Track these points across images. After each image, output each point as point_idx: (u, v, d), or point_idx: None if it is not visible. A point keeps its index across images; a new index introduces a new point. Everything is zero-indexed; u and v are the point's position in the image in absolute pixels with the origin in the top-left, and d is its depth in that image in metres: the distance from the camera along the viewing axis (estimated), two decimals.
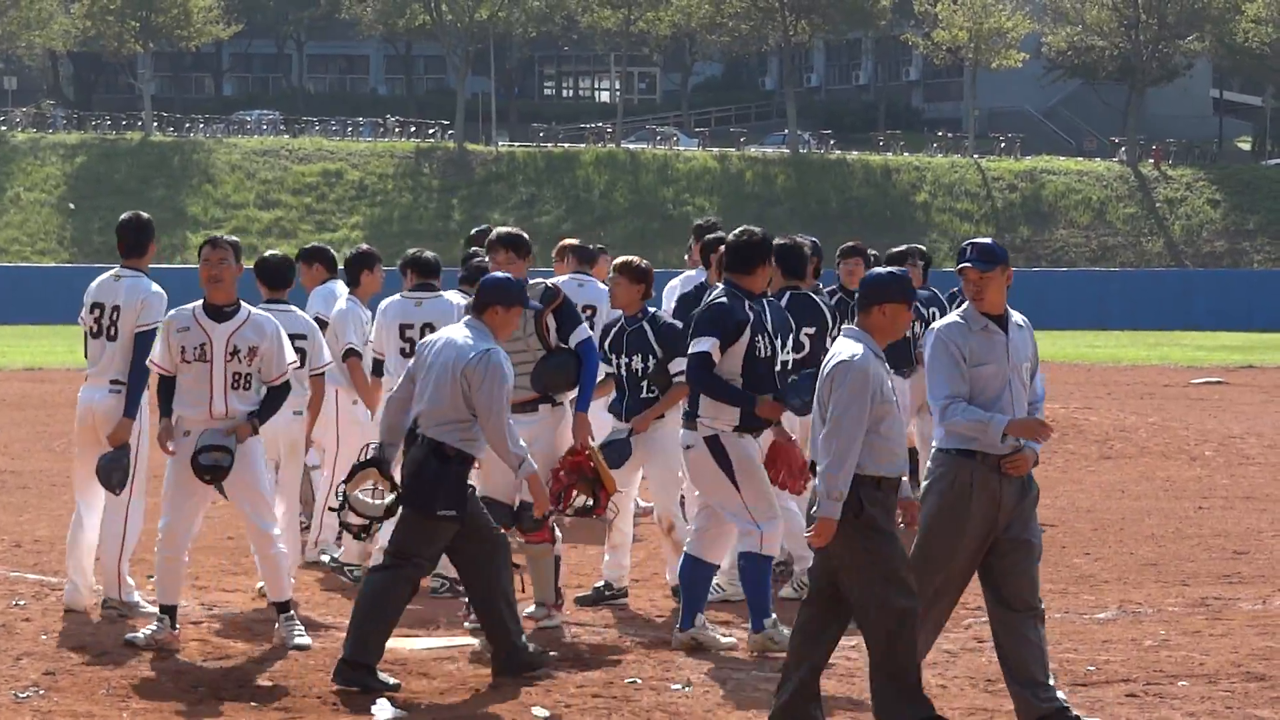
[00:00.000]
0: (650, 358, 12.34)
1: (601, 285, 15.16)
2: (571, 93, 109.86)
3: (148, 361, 11.90)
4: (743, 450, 11.14)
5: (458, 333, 10.81)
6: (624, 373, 12.53)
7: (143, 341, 12.18)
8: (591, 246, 16.50)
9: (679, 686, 10.52)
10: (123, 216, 12.92)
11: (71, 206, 75.15)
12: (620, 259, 12.95)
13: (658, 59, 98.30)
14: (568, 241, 16.02)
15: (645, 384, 12.44)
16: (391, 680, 10.38)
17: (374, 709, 10.16)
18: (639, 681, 10.67)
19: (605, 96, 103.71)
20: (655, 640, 11.66)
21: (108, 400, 12.19)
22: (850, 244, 15.74)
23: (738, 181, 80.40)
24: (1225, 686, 10.32)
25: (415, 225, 75.43)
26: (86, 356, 12.58)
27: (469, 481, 10.93)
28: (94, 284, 12.54)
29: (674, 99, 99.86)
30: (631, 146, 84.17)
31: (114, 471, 12.08)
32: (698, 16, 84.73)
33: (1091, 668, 10.63)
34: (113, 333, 12.28)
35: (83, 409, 12.31)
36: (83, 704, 10.16)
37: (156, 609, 11.78)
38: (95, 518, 12.52)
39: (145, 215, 12.92)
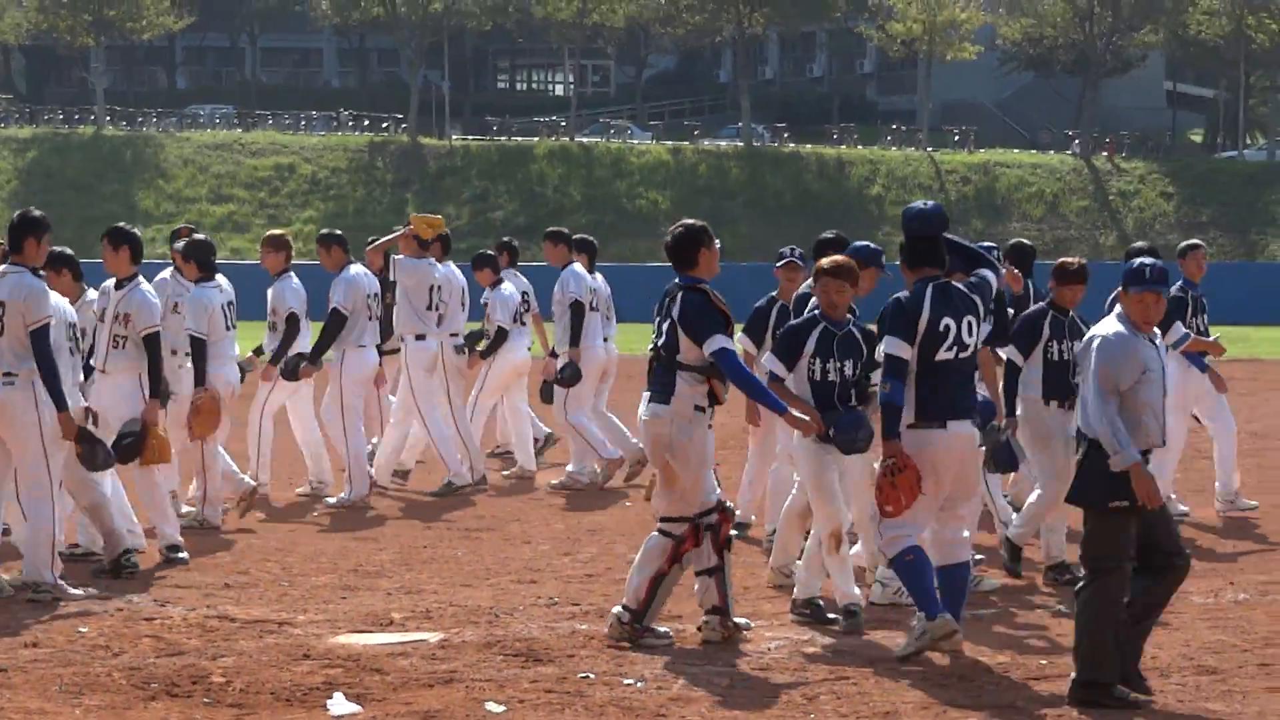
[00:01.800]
0: (858, 364, 12.06)
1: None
2: (525, 86, 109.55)
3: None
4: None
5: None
6: (836, 378, 12.14)
7: (38, 337, 12.60)
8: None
9: (631, 681, 10.46)
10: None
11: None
12: (830, 261, 12.40)
13: (612, 52, 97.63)
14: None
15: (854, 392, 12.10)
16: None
17: (329, 704, 10.12)
18: (592, 676, 10.66)
19: (559, 90, 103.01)
20: (598, 637, 11.63)
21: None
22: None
23: (691, 175, 79.95)
24: (1177, 680, 10.33)
25: (369, 219, 73.02)
26: None
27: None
28: None
29: (628, 92, 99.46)
30: (585, 140, 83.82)
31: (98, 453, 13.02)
32: (652, 9, 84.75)
33: (1044, 661, 10.66)
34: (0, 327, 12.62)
35: None
36: (35, 700, 10.12)
37: (81, 591, 12.47)
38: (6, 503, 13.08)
39: (32, 214, 13.11)
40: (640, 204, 76.96)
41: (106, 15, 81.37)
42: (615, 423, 19.41)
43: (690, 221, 11.47)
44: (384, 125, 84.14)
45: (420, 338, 18.17)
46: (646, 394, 11.36)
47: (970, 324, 11.04)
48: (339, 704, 10.11)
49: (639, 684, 10.44)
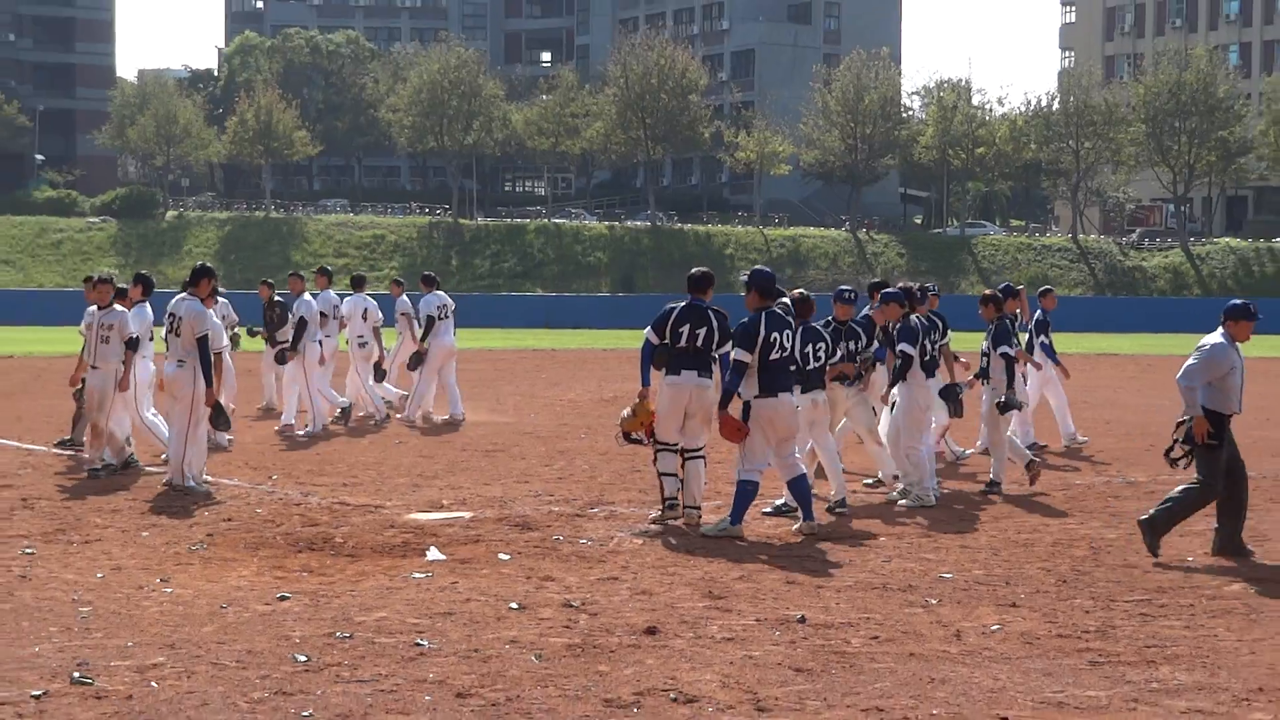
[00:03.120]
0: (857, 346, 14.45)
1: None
2: (520, 188, 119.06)
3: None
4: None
5: None
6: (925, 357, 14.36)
7: (202, 343, 14.14)
8: (922, 286, 15.96)
9: (585, 541, 11.74)
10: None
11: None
12: (883, 294, 14.87)
13: (572, 168, 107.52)
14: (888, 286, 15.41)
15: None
16: None
17: (428, 554, 11.22)
18: (561, 538, 11.84)
19: (541, 191, 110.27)
20: (572, 515, 12.98)
21: (174, 370, 14.41)
22: (877, 281, 16.42)
23: (620, 243, 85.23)
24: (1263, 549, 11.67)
25: (427, 268, 70.86)
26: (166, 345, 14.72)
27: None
28: (171, 302, 14.62)
29: (582, 192, 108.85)
30: (557, 221, 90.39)
31: (219, 416, 14.92)
32: (596, 143, 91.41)
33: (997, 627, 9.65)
34: (178, 330, 14.30)
35: (164, 375, 14.68)
36: (230, 552, 11.31)
37: (206, 489, 14.19)
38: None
39: (207, 265, 15.29)
40: (589, 260, 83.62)
41: (272, 145, 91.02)
42: (452, 388, 22.05)
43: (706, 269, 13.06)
44: (437, 212, 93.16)
45: (329, 338, 20.69)
46: (695, 370, 12.62)
47: (788, 335, 12.35)
48: (433, 552, 11.21)
49: (588, 542, 11.69)
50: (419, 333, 21.64)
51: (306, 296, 20.44)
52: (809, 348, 13.28)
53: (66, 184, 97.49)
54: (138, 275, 16.76)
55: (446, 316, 21.68)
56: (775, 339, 12.22)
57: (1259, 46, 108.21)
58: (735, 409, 12.14)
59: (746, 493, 12.32)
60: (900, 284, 15.51)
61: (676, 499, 12.79)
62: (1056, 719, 7.12)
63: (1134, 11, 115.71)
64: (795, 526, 12.49)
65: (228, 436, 17.78)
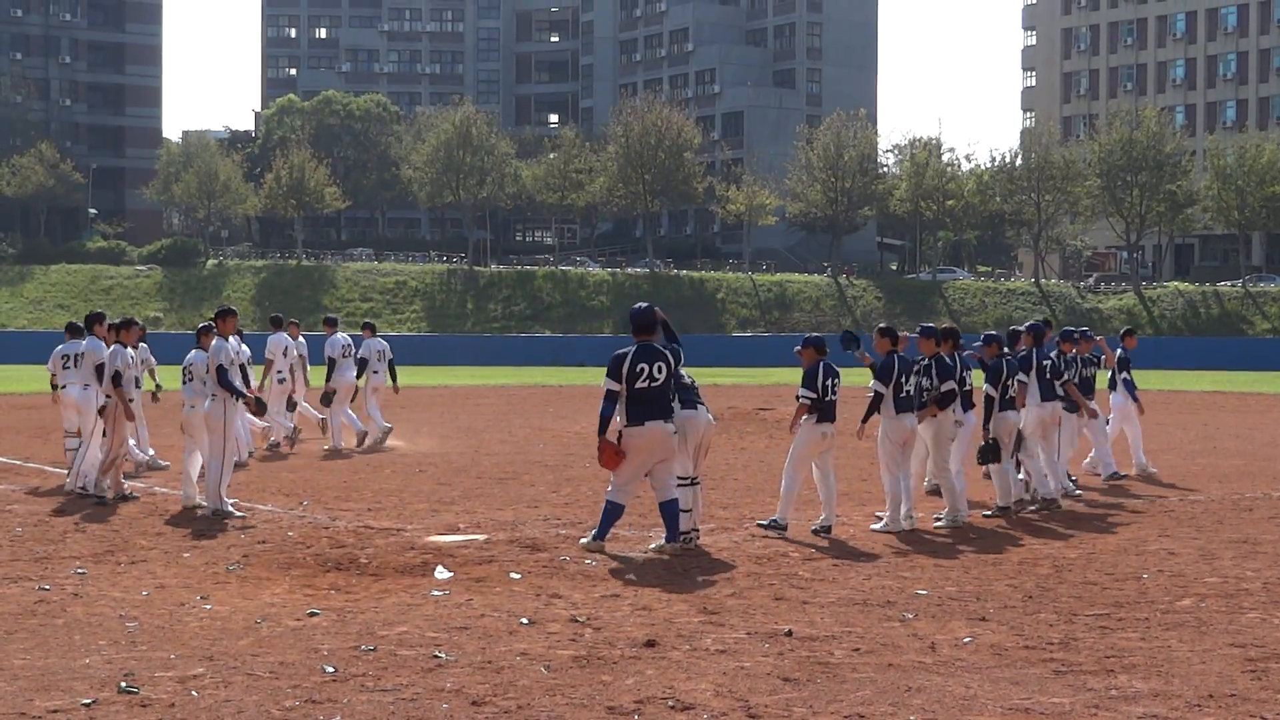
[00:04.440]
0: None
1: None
2: (530, 238, 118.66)
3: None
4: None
5: None
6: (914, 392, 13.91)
7: (220, 371, 14.66)
8: (1080, 330, 17.22)
9: (590, 562, 11.66)
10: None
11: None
12: (918, 330, 14.64)
13: (577, 220, 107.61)
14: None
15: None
16: None
17: (436, 572, 11.08)
18: (568, 559, 11.82)
19: (549, 240, 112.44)
20: (578, 538, 12.69)
21: (209, 404, 14.62)
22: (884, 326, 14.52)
23: (621, 288, 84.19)
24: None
25: (445, 311, 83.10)
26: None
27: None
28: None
29: (586, 241, 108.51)
30: (564, 268, 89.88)
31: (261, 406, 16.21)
32: (600, 196, 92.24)
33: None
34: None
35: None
36: (265, 571, 11.27)
37: (237, 512, 14.21)
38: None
39: (229, 307, 15.73)
40: (593, 304, 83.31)
41: (304, 199, 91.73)
42: (353, 417, 22.09)
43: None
44: (454, 260, 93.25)
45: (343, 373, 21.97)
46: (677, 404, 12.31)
47: (660, 367, 11.90)
48: (440, 571, 11.14)
49: (592, 563, 11.59)
50: (341, 370, 21.98)
51: (337, 337, 21.79)
52: (905, 378, 13.70)
53: (116, 235, 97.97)
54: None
55: (348, 355, 22.18)
56: (643, 369, 11.90)
57: (1202, 108, 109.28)
58: (612, 435, 11.97)
59: (611, 513, 12.19)
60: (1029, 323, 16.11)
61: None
62: None
63: (1089, 76, 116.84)
64: (654, 545, 12.27)
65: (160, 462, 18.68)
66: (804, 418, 13.45)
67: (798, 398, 13.56)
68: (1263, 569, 11.83)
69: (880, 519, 14.08)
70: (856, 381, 16.35)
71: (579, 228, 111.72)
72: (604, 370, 12.02)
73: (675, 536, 12.19)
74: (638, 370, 11.91)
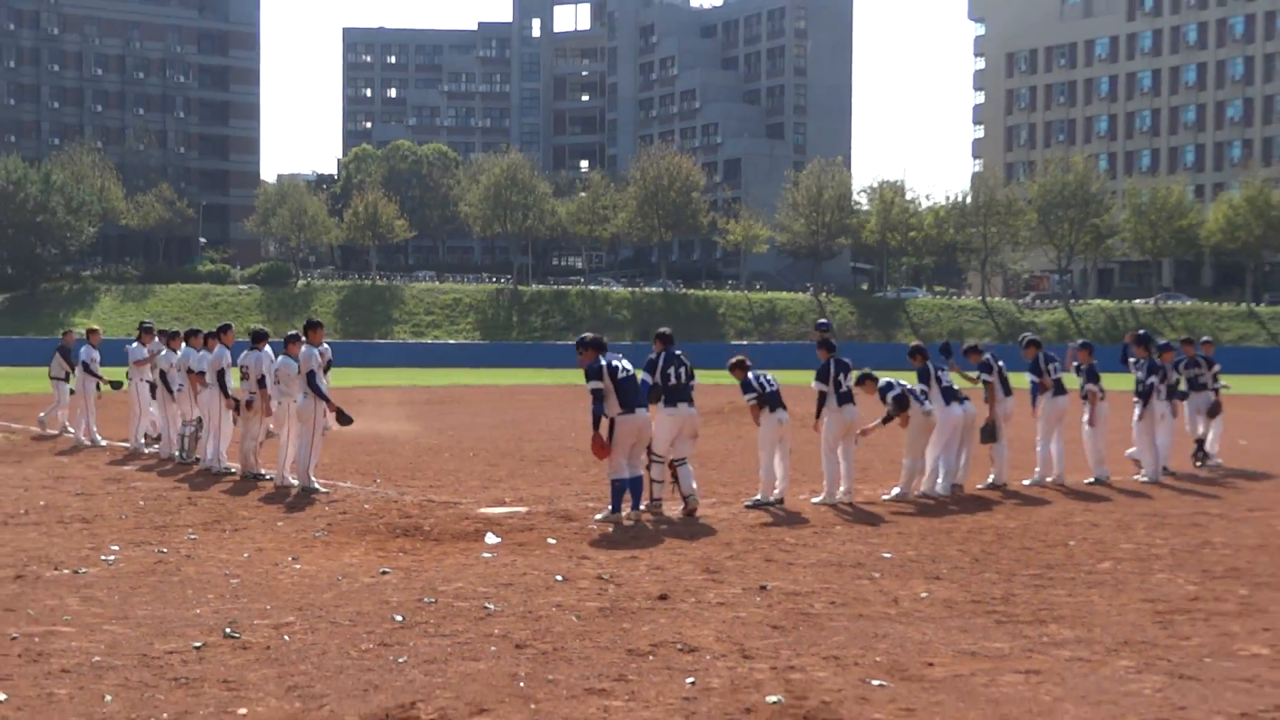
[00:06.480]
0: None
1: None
2: (565, 263, 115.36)
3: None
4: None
5: None
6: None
7: (310, 376, 14.04)
8: (1187, 339, 16.81)
9: (613, 529, 11.58)
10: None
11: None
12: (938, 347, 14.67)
13: (603, 248, 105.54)
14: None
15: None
16: None
17: (487, 538, 10.75)
18: (594, 525, 11.68)
19: (580, 264, 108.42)
20: (604, 509, 12.31)
21: (303, 401, 14.05)
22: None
23: (640, 305, 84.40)
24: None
25: (495, 323, 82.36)
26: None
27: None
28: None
29: (611, 266, 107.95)
30: (592, 288, 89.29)
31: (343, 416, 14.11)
32: (621, 228, 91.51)
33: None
34: (276, 378, 14.45)
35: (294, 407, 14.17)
36: (343, 538, 11.10)
37: (323, 489, 13.84)
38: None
39: (316, 318, 14.94)
40: (616, 318, 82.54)
41: (378, 230, 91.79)
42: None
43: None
44: (501, 280, 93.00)
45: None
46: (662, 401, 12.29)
47: (627, 367, 11.97)
48: (490, 537, 10.84)
49: (615, 530, 11.41)
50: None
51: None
52: (842, 375, 13.38)
53: (223, 260, 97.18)
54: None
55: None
56: (617, 365, 11.96)
57: (1122, 155, 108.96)
58: (603, 430, 11.81)
59: (619, 489, 11.96)
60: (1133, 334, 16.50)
61: (661, 499, 12.62)
62: (970, 665, 7.01)
63: (1028, 129, 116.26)
64: (599, 516, 12.12)
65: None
66: (825, 408, 13.35)
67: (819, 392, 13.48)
68: (1170, 537, 11.63)
69: (894, 490, 14.02)
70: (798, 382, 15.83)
71: (605, 254, 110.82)
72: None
73: (638, 504, 12.13)
74: (614, 366, 11.95)
